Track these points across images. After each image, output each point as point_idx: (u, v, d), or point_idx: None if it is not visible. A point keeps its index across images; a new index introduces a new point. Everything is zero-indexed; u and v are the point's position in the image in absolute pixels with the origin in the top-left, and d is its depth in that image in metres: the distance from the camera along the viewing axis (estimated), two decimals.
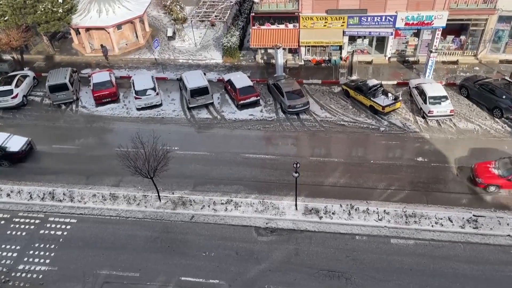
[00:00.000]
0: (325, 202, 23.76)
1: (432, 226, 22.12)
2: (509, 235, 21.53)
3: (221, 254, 21.59)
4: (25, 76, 34.00)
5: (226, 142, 28.36)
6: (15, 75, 33.63)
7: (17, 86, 32.40)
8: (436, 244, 21.40)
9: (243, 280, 20.43)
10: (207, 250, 21.82)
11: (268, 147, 28.19)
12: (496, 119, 28.75)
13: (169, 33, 39.63)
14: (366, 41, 34.96)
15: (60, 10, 34.53)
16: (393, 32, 33.22)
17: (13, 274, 21.32)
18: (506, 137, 27.36)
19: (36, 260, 21.92)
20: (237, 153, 27.33)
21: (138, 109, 31.72)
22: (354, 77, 33.28)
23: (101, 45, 37.30)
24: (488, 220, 22.24)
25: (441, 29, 32.56)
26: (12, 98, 31.86)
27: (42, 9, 33.68)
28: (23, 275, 21.25)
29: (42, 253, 22.23)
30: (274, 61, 34.17)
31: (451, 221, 22.28)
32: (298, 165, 21.09)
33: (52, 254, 22.13)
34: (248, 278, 20.50)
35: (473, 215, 22.50)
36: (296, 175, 21.45)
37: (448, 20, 31.99)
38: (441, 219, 22.39)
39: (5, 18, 33.62)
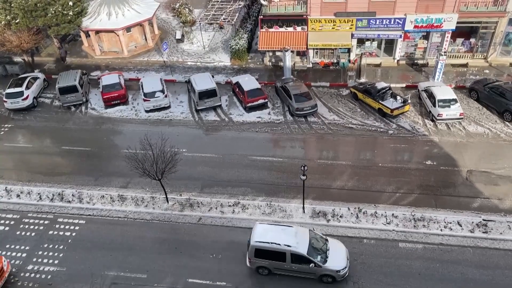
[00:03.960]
0: (332, 205, 23.67)
1: (441, 230, 21.93)
2: None
3: (228, 256, 21.58)
4: (35, 78, 34.37)
5: (234, 144, 28.39)
6: (26, 77, 34.05)
7: (27, 88, 32.82)
8: (445, 248, 21.21)
9: (250, 282, 20.39)
10: (215, 252, 21.82)
11: (276, 149, 28.15)
12: (506, 123, 28.48)
13: (178, 36, 39.84)
14: (375, 43, 34.85)
15: (71, 13, 34.86)
16: (402, 35, 33.08)
17: (22, 274, 21.47)
18: None
19: (45, 260, 22.07)
20: (244, 156, 27.35)
21: (146, 111, 31.89)
22: (362, 80, 33.18)
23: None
24: (498, 225, 22.01)
25: (450, 31, 32.39)
26: (23, 99, 32.24)
27: (53, 12, 34.01)
28: (32, 275, 21.40)
29: (51, 253, 22.38)
30: (282, 63, 34.18)
31: (460, 225, 22.08)
32: (305, 167, 21.06)
33: (61, 255, 22.27)
34: (255, 280, 20.46)
35: (483, 220, 22.27)
36: (304, 177, 21.40)
37: (457, 22, 31.80)
38: (450, 223, 22.20)
39: (17, 21, 34.02)
